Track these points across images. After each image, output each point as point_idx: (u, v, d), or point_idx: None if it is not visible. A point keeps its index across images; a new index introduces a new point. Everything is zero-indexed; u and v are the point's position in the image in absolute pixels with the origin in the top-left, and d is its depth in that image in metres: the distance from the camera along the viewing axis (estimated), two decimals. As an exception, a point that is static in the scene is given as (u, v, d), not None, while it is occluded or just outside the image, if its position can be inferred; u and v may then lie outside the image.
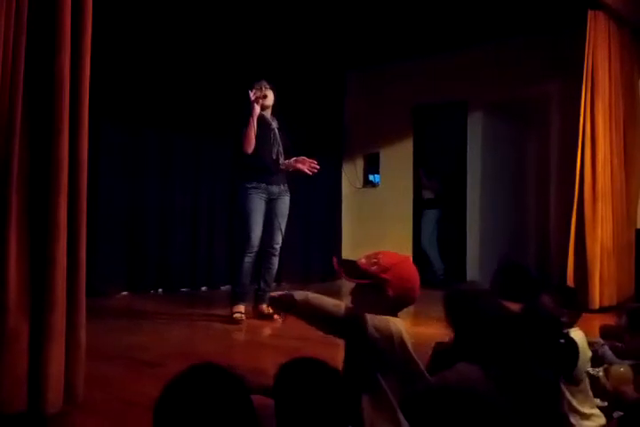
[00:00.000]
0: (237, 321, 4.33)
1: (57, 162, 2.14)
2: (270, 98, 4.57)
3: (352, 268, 1.85)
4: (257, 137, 4.44)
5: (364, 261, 1.84)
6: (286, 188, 4.61)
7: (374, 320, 1.71)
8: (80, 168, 2.24)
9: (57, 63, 2.14)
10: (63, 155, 2.16)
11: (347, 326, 1.71)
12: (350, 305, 1.82)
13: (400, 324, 1.79)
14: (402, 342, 1.73)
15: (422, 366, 1.76)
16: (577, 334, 2.41)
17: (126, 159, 5.86)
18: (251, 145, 4.41)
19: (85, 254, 2.26)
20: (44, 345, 2.07)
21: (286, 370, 1.39)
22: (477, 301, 1.97)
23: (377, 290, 1.80)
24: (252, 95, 4.42)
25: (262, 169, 4.47)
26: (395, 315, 1.84)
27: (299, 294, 1.74)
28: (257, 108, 4.43)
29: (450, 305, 1.94)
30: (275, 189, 4.53)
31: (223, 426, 1.07)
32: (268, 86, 4.57)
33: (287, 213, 4.61)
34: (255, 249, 4.44)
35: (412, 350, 1.75)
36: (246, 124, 4.42)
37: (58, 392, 2.10)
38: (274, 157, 4.54)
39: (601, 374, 2.05)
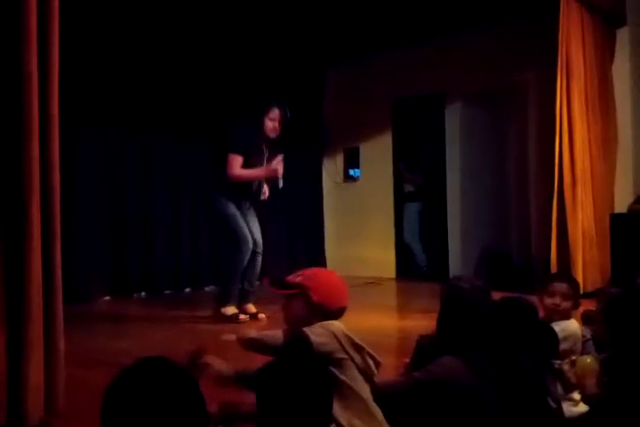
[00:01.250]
0: (241, 322, 4.32)
1: (28, 164, 2.09)
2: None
3: (281, 282, 1.97)
4: (249, 164, 4.40)
5: (291, 276, 1.96)
6: (252, 204, 4.62)
7: (312, 330, 1.77)
8: (52, 170, 2.20)
9: (24, 62, 2.09)
10: (34, 156, 2.11)
11: (292, 350, 1.76)
12: (285, 328, 1.91)
13: (331, 324, 1.83)
14: (345, 336, 1.79)
15: (371, 350, 1.82)
16: (573, 323, 2.42)
17: (107, 161, 5.79)
18: (241, 181, 4.38)
19: (61, 260, 2.22)
20: (22, 355, 2.03)
21: (268, 371, 1.37)
22: (471, 294, 1.97)
23: (302, 298, 1.88)
24: (280, 170, 4.35)
25: (244, 193, 4.48)
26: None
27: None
28: (270, 176, 4.42)
29: (446, 297, 1.95)
30: (244, 204, 4.54)
31: (171, 418, 1.06)
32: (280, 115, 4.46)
33: (255, 212, 4.61)
34: (251, 246, 4.40)
35: (357, 340, 1.81)
36: (242, 150, 4.34)
37: (38, 403, 2.06)
38: (256, 187, 4.53)
39: (566, 367, 2.05)
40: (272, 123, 4.42)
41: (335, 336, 1.76)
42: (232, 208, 4.41)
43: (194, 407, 1.09)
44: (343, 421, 1.67)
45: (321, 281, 1.91)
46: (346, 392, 1.72)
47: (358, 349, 1.79)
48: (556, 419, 1.85)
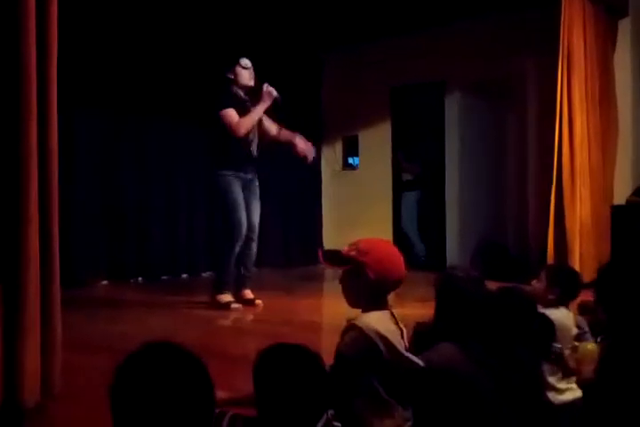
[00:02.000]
0: (235, 310, 4.31)
1: (26, 150, 2.09)
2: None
3: (335, 256, 1.87)
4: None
5: (346, 248, 1.86)
6: (256, 174, 4.58)
7: (349, 340, 1.69)
8: (50, 155, 2.19)
9: (23, 49, 2.07)
10: (32, 142, 2.10)
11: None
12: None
13: (380, 318, 1.77)
14: (386, 343, 1.71)
15: (408, 356, 1.75)
16: (561, 311, 2.43)
17: (104, 147, 5.78)
18: (248, 130, 4.34)
19: (59, 244, 2.22)
20: (19, 337, 2.03)
21: (266, 356, 1.37)
22: (465, 284, 1.98)
23: (358, 274, 1.79)
24: (273, 90, 4.31)
25: (241, 157, 4.42)
26: (383, 300, 1.84)
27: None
28: (269, 103, 4.35)
29: (441, 287, 1.95)
30: (248, 176, 4.50)
31: (180, 401, 1.06)
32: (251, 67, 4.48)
33: (259, 196, 4.57)
34: (244, 235, 4.39)
35: (397, 346, 1.73)
36: (228, 105, 4.31)
37: (34, 386, 2.06)
38: (250, 145, 4.48)
39: (567, 352, 2.06)
40: (246, 71, 4.41)
41: (376, 344, 1.69)
42: (236, 189, 4.37)
43: (202, 391, 1.08)
44: None
45: (379, 257, 1.80)
46: (378, 399, 1.67)
47: (395, 355, 1.71)
48: (550, 408, 1.86)
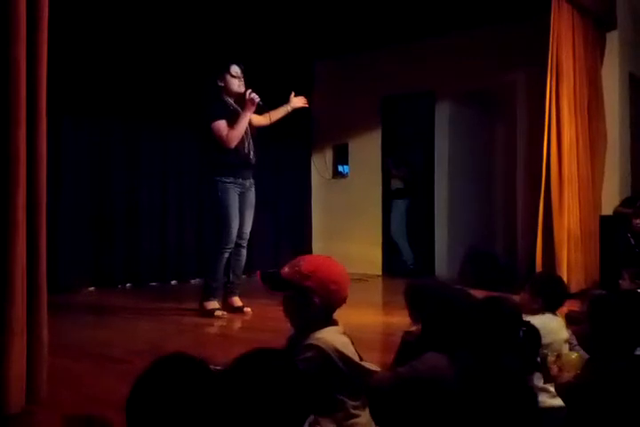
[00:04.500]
0: (219, 317, 4.31)
1: (15, 154, 2.08)
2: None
3: (275, 279, 1.79)
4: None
5: (287, 269, 1.79)
6: (253, 181, 4.58)
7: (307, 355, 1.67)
8: (39, 159, 2.19)
9: (12, 54, 2.07)
10: (21, 147, 2.10)
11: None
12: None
13: (333, 334, 1.75)
14: (343, 357, 1.70)
15: (362, 364, 1.75)
16: (546, 316, 2.45)
17: (91, 151, 5.76)
18: (237, 141, 4.35)
19: (46, 248, 2.21)
20: (5, 343, 2.02)
21: (241, 361, 1.35)
22: (445, 291, 1.98)
23: (303, 299, 1.75)
24: (255, 97, 4.32)
25: (238, 164, 4.42)
26: (329, 319, 1.81)
27: None
28: (253, 109, 4.36)
29: (414, 296, 1.94)
30: (247, 182, 4.49)
31: (197, 415, 1.06)
32: (241, 71, 4.48)
33: (254, 204, 4.58)
34: (233, 243, 4.38)
35: (353, 357, 1.73)
36: (221, 117, 4.32)
37: (19, 391, 2.05)
38: (246, 151, 4.48)
39: (551, 359, 2.07)
40: (235, 79, 4.42)
41: (330, 356, 1.68)
42: (232, 197, 4.36)
43: (219, 406, 1.09)
44: None
45: (322, 280, 1.74)
46: (345, 415, 1.68)
47: (354, 369, 1.72)
48: (539, 416, 1.87)
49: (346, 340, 1.77)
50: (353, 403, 1.72)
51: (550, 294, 2.55)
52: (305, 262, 1.78)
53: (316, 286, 1.73)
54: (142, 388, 1.11)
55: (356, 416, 1.71)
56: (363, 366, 1.75)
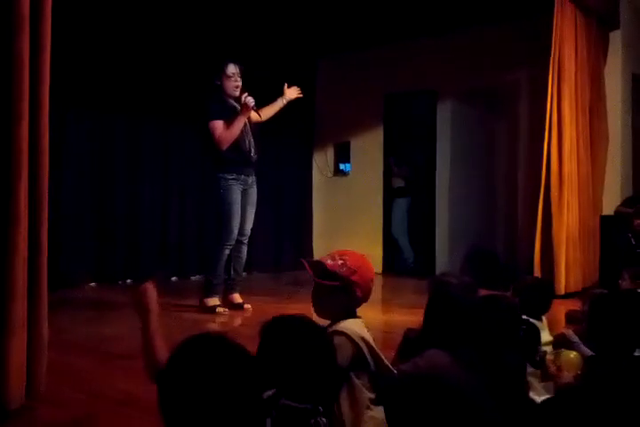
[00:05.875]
0: (220, 313, 4.32)
1: (17, 148, 2.08)
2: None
3: (320, 269, 1.87)
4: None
5: (330, 262, 1.87)
6: (255, 178, 4.59)
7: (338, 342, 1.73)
8: (41, 153, 2.19)
9: (15, 46, 2.07)
10: (23, 142, 2.10)
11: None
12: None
13: (359, 325, 1.84)
14: (369, 347, 1.79)
15: (387, 362, 1.82)
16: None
17: (95, 146, 5.75)
18: (230, 143, 4.35)
19: (47, 244, 2.21)
20: (4, 338, 2.02)
21: (272, 326, 1.44)
22: (457, 290, 1.99)
23: (345, 291, 1.84)
24: (250, 101, 4.32)
25: (240, 161, 4.43)
26: (354, 312, 1.90)
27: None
28: (248, 113, 4.37)
29: (433, 292, 1.96)
30: (249, 179, 4.51)
31: (229, 396, 1.07)
32: (239, 71, 4.49)
33: (256, 201, 4.59)
34: (234, 241, 4.40)
35: (378, 350, 1.81)
36: (219, 117, 4.33)
37: (19, 387, 2.05)
38: (247, 149, 4.49)
39: (550, 357, 2.07)
40: (231, 81, 4.42)
41: (359, 346, 1.77)
42: (235, 195, 4.38)
43: (251, 386, 1.10)
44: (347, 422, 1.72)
45: (366, 277, 1.87)
46: (356, 396, 1.75)
47: (376, 358, 1.79)
48: (535, 413, 1.87)
49: (368, 334, 1.85)
50: (370, 395, 1.78)
51: (532, 299, 2.52)
52: (351, 258, 1.88)
53: (360, 281, 1.85)
54: (177, 363, 1.12)
55: (371, 410, 1.77)
56: (384, 361, 1.82)
